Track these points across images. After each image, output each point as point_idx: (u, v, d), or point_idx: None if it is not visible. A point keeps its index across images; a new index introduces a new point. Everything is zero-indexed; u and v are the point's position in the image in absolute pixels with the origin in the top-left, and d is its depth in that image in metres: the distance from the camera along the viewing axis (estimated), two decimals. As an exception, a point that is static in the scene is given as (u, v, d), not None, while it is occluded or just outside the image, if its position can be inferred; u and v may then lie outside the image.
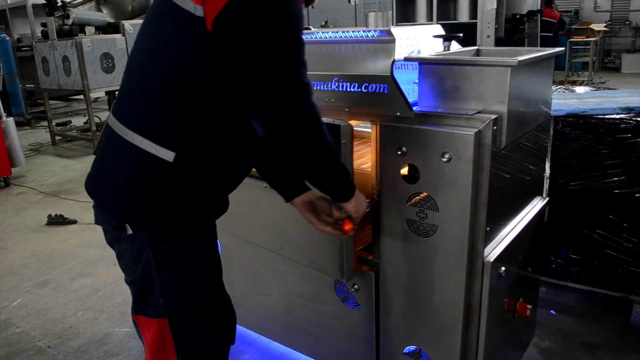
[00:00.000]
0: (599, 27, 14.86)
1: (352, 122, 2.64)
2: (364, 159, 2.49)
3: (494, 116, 1.74)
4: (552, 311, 3.07)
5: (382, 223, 2.01)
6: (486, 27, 8.60)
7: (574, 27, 15.67)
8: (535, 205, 2.35)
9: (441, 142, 1.75)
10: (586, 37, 13.88)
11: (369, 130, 2.89)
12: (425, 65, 1.86)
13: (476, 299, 1.92)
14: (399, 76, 1.88)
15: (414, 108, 1.86)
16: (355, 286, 2.18)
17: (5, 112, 8.29)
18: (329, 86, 2.01)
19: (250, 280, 2.63)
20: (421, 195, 1.86)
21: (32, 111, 11.01)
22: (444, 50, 2.13)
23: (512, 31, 8.75)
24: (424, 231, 1.89)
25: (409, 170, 1.88)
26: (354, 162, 2.35)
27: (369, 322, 2.20)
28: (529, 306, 2.18)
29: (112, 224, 1.55)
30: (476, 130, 1.70)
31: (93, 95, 8.31)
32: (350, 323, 2.27)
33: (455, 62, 1.81)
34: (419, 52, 2.08)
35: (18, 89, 10.07)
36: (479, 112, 1.77)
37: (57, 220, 4.89)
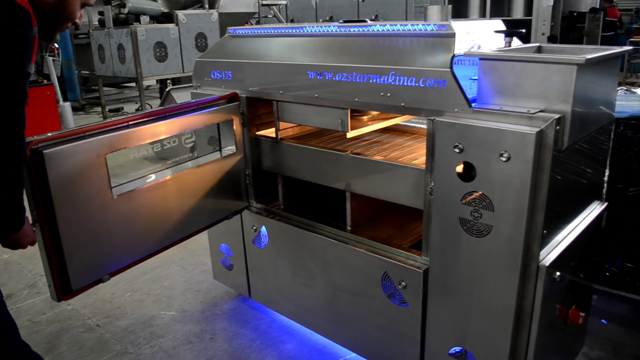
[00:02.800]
0: (661, 26, 14.21)
1: (406, 117, 2.62)
2: (415, 154, 2.46)
3: (557, 116, 1.68)
4: (603, 320, 2.97)
5: (433, 221, 1.98)
6: (541, 25, 8.36)
7: (634, 26, 15.04)
8: (593, 210, 2.27)
9: (500, 141, 1.71)
10: (647, 37, 13.30)
11: (421, 125, 2.88)
12: (486, 61, 1.81)
13: (528, 303, 1.87)
14: (457, 72, 1.84)
15: (472, 105, 1.82)
16: (403, 283, 2.15)
17: (61, 97, 8.58)
18: (385, 80, 1.99)
19: (295, 270, 2.64)
20: (476, 194, 1.82)
21: (86, 97, 11.34)
22: (505, 47, 2.07)
23: (568, 29, 8.47)
24: (477, 231, 1.85)
25: (464, 168, 1.84)
26: (403, 158, 2.33)
27: (415, 320, 2.17)
28: (582, 314, 2.11)
29: None
30: (538, 129, 1.65)
31: (145, 83, 8.50)
32: (395, 320, 2.25)
33: (518, 58, 1.76)
34: (478, 47, 2.03)
35: (74, 75, 10.40)
36: (541, 111, 1.71)
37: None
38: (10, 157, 1.50)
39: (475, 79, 2.19)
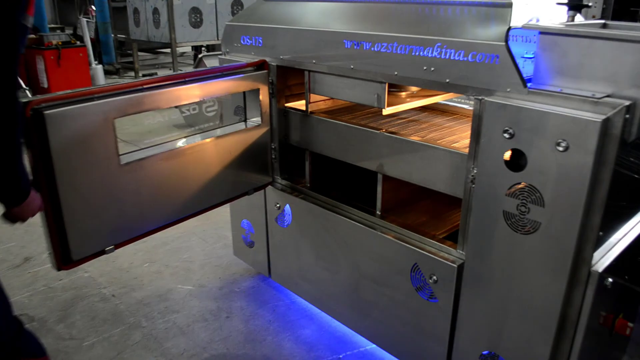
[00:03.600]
0: None
1: (448, 96, 2.41)
2: (455, 137, 2.26)
3: (627, 102, 1.46)
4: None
5: (473, 212, 1.78)
6: (594, 7, 7.91)
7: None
8: (652, 211, 2.04)
9: (558, 127, 1.50)
10: None
11: (463, 105, 2.66)
12: (547, 35, 1.59)
13: (574, 311, 1.67)
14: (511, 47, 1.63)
15: (528, 85, 1.60)
16: (434, 277, 1.98)
17: (96, 60, 8.54)
18: (430, 52, 1.78)
19: (318, 253, 2.49)
20: (525, 185, 1.61)
21: (121, 61, 11.32)
22: (568, 21, 1.83)
23: (620, 13, 7.97)
24: (523, 227, 1.65)
25: (513, 156, 1.64)
26: (442, 140, 2.13)
27: (444, 317, 2.00)
28: (630, 324, 1.91)
29: None
30: (604, 117, 1.43)
31: (180, 49, 8.39)
32: (423, 315, 2.08)
33: (584, 34, 1.53)
34: (537, 20, 1.80)
35: (110, 38, 10.35)
36: (608, 96, 1.49)
37: (133, 170, 4.95)
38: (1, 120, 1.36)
39: (528, 58, 1.98)
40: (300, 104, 2.55)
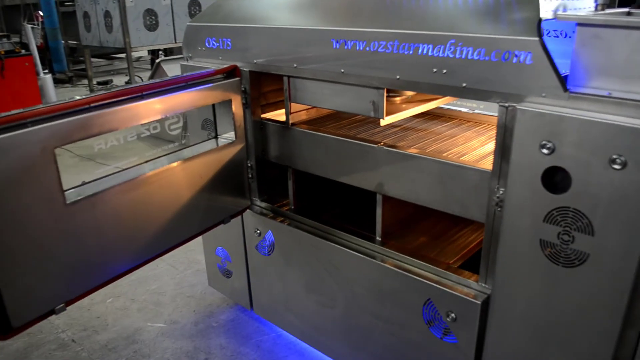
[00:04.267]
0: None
1: (447, 99, 2.11)
2: (461, 147, 1.97)
3: (696, 106, 1.18)
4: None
5: (501, 240, 1.49)
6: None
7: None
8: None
9: (613, 140, 1.21)
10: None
11: (463, 109, 2.37)
12: (588, 27, 1.30)
13: (627, 353, 1.40)
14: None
15: (568, 88, 1.32)
16: (452, 315, 1.68)
17: (47, 68, 7.98)
18: (441, 51, 1.48)
19: (308, 285, 2.16)
20: (569, 210, 1.33)
21: (74, 68, 10.71)
22: (597, 10, 1.56)
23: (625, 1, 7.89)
24: (566, 259, 1.37)
25: (552, 175, 1.35)
26: (448, 153, 1.84)
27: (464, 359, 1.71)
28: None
29: None
30: (673, 125, 1.16)
31: (135, 54, 7.92)
32: (438, 357, 1.78)
33: (635, 24, 1.25)
34: (564, 10, 1.52)
35: (60, 45, 9.76)
36: (670, 99, 1.22)
37: (91, 188, 4.52)
38: None
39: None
40: (278, 114, 2.22)
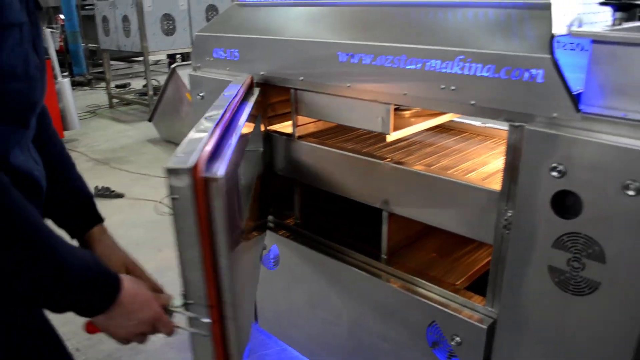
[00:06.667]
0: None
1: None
2: (470, 163, 1.92)
3: None
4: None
5: (508, 264, 1.43)
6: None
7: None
8: None
9: (628, 165, 1.15)
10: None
11: (475, 123, 2.31)
12: (604, 45, 1.24)
13: (640, 386, 1.33)
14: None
15: (580, 108, 1.26)
16: (457, 339, 1.62)
17: (67, 71, 8.04)
18: (450, 67, 1.43)
19: (313, 302, 2.12)
20: (579, 236, 1.27)
21: (93, 71, 10.82)
22: (614, 25, 1.50)
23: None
24: (576, 287, 1.31)
25: (563, 199, 1.29)
26: (456, 169, 1.79)
27: (470, 385, 1.65)
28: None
29: None
30: (691, 150, 1.10)
31: (152, 57, 7.95)
32: (443, 381, 1.73)
33: (654, 42, 1.19)
34: (579, 25, 1.46)
35: (80, 48, 9.86)
36: (689, 122, 1.15)
37: (103, 193, 4.54)
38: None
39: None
40: (285, 126, 2.18)
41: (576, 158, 1.23)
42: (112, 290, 0.95)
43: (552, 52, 1.26)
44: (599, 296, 1.28)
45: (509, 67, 1.32)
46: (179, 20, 7.20)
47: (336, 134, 2.26)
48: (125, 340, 1.04)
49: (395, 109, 1.98)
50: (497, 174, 1.78)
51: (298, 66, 1.86)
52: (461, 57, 1.40)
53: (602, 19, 1.57)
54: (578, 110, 1.24)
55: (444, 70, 1.44)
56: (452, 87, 1.44)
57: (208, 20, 7.45)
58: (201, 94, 2.22)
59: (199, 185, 1.01)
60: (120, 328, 1.00)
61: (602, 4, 1.52)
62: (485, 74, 1.36)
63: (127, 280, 0.98)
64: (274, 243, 2.20)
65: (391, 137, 1.73)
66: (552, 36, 1.28)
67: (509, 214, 1.41)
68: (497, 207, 1.45)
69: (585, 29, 1.35)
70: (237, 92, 1.69)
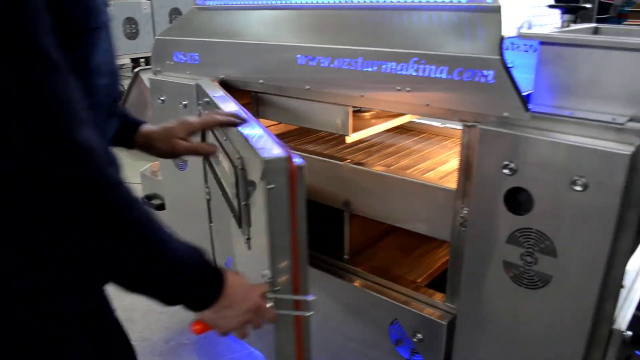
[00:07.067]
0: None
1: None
2: (429, 162, 1.95)
3: (656, 126, 1.17)
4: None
5: (465, 261, 1.47)
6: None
7: (627, 9, 14.57)
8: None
9: (575, 162, 1.20)
10: (643, 22, 12.86)
11: (434, 123, 2.35)
12: (551, 46, 1.29)
13: (593, 374, 1.38)
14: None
15: (529, 107, 1.30)
16: (419, 335, 1.65)
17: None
18: (404, 69, 1.45)
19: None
20: (531, 231, 1.31)
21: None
22: (563, 27, 1.55)
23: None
24: (529, 281, 1.35)
25: (515, 195, 1.33)
26: (415, 169, 1.82)
27: (432, 381, 1.68)
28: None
29: None
30: (633, 147, 1.14)
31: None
32: (406, 378, 1.75)
33: (598, 43, 1.24)
34: (529, 27, 1.51)
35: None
36: (631, 120, 1.20)
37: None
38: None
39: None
40: (247, 129, 2.18)
41: (526, 156, 1.27)
42: (218, 282, 0.96)
43: (501, 54, 1.29)
44: (552, 289, 1.32)
45: (461, 68, 1.35)
46: (142, 24, 7.11)
47: (298, 136, 2.28)
48: (234, 331, 1.06)
49: (356, 111, 2.00)
50: (454, 173, 1.81)
51: (258, 69, 1.86)
52: (416, 59, 1.43)
53: (552, 21, 1.63)
54: (527, 109, 1.28)
55: (399, 72, 1.47)
56: (408, 89, 1.46)
57: (171, 23, 7.38)
58: (162, 98, 2.20)
59: (293, 172, 1.04)
60: (228, 319, 1.01)
61: (550, 6, 1.57)
62: (439, 75, 1.39)
63: (228, 272, 0.99)
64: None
65: (351, 138, 1.75)
66: (502, 38, 1.32)
67: (465, 212, 1.45)
68: (454, 205, 1.48)
69: (534, 30, 1.40)
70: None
